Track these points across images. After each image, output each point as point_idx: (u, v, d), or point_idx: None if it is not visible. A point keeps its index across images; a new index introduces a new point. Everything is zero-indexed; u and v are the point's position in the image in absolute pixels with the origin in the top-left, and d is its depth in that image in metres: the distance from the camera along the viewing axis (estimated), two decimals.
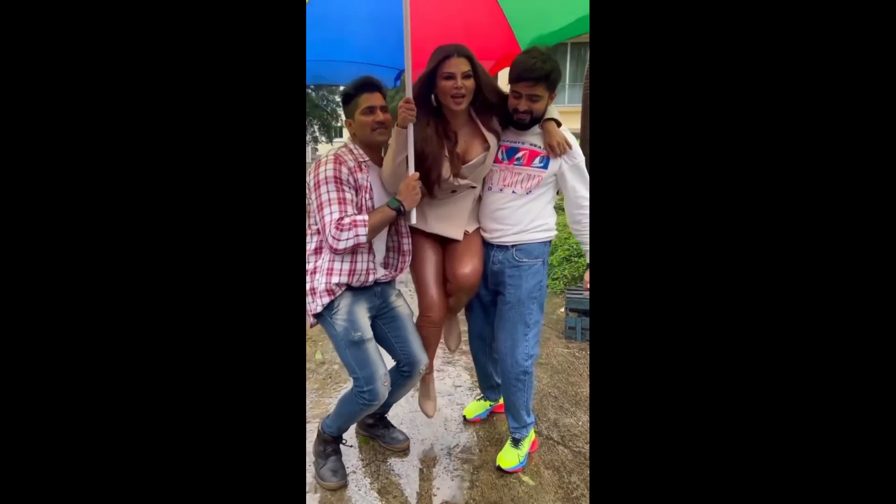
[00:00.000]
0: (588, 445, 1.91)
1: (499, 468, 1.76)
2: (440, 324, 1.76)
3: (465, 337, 2.03)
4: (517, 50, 1.83)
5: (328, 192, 1.48)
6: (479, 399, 2.18)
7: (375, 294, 1.68)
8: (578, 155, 1.61)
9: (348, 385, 2.42)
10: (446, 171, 1.56)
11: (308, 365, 2.69)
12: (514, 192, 1.64)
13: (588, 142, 7.67)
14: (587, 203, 1.62)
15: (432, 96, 1.56)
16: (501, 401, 2.08)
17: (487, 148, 1.60)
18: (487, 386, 2.09)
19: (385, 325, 1.73)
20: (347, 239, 1.45)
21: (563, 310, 3.39)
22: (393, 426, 1.98)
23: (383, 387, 1.60)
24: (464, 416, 2.13)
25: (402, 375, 1.77)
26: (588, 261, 1.63)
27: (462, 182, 1.60)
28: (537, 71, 1.49)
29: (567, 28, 1.73)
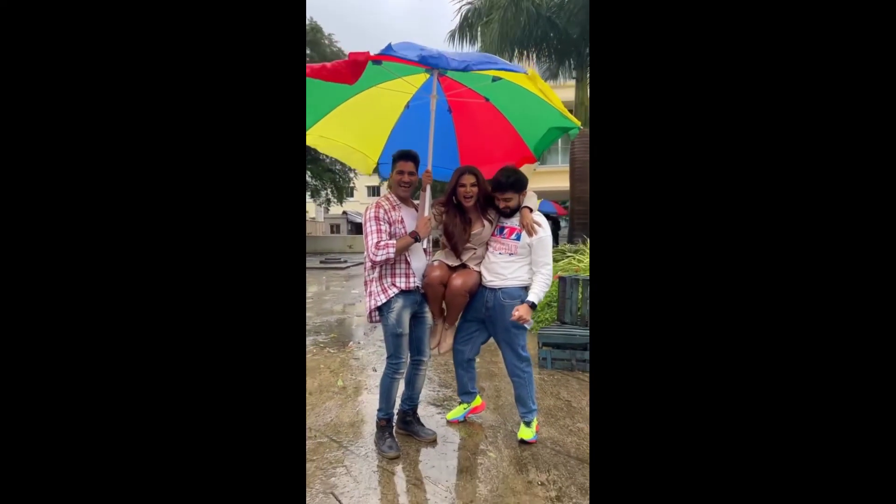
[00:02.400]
0: (533, 440, 2.64)
1: (521, 441, 2.59)
2: (432, 285, 2.50)
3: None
4: (528, 152, 2.91)
5: (370, 226, 2.39)
6: (459, 404, 2.93)
7: (416, 301, 2.53)
8: (542, 231, 2.48)
9: (364, 401, 3.21)
10: (462, 240, 2.58)
11: (333, 389, 3.45)
12: (500, 253, 2.56)
13: (577, 199, 8.58)
14: (545, 267, 2.48)
15: (454, 198, 2.59)
16: (475, 403, 2.89)
17: (483, 226, 2.59)
18: (463, 391, 2.87)
19: (415, 324, 2.59)
20: (382, 255, 2.33)
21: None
22: (423, 424, 2.73)
23: (405, 363, 2.52)
24: (447, 420, 2.90)
25: (413, 365, 2.65)
26: (536, 301, 2.50)
27: (467, 245, 2.60)
28: (503, 185, 2.48)
29: (548, 134, 2.77)
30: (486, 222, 2.59)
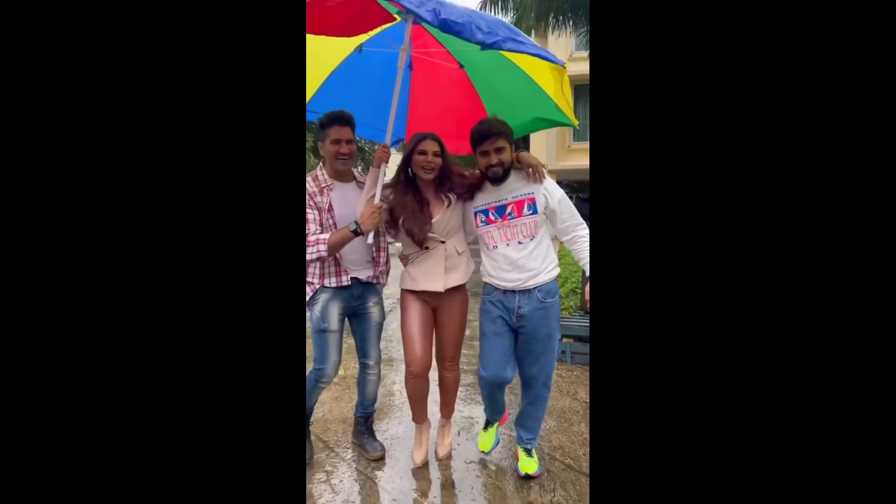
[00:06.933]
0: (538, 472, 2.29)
1: (526, 475, 2.04)
2: (422, 376, 2.03)
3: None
4: None
5: None
6: (484, 429, 2.29)
7: (353, 296, 2.05)
8: (556, 190, 1.90)
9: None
10: (421, 229, 1.93)
11: None
12: (519, 242, 1.89)
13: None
14: (582, 226, 1.88)
15: (409, 170, 1.98)
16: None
17: (443, 206, 1.97)
18: (495, 410, 2.21)
19: (356, 322, 2.15)
20: (311, 253, 1.85)
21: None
22: (374, 437, 2.28)
23: (331, 370, 2.04)
24: (482, 451, 2.24)
25: (362, 368, 2.22)
26: (588, 274, 1.86)
27: (432, 235, 1.96)
28: (493, 128, 1.84)
29: (526, 124, 2.27)
30: (445, 200, 1.99)
